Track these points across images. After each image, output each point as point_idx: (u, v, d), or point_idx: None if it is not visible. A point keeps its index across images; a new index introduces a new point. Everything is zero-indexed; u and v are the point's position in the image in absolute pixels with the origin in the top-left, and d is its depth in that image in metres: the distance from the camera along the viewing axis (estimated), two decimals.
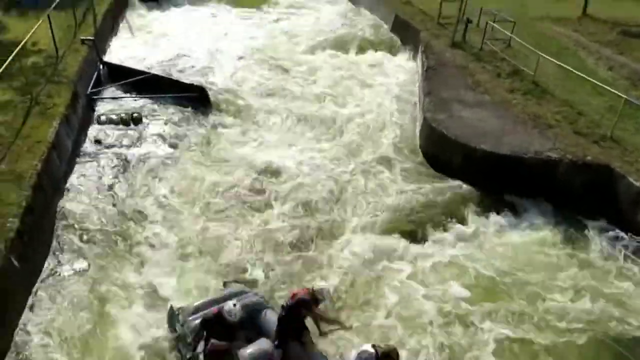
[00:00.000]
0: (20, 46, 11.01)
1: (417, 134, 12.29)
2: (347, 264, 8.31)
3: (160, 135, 11.70)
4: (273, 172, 10.61)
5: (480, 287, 8.04)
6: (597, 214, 9.58)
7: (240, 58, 16.46)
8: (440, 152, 11.08)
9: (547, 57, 13.04)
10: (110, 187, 9.84)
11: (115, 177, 10.16)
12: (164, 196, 9.74)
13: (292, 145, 11.82)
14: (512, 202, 9.94)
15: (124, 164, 10.56)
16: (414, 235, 9.07)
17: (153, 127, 12.05)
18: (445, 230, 9.24)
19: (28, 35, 11.97)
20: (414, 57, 16.59)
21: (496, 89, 12.88)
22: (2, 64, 10.03)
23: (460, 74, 13.76)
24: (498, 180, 10.15)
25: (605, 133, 10.67)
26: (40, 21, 12.82)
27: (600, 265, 8.61)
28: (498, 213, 9.61)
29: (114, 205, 9.36)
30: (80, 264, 8.02)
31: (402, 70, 16.02)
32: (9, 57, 10.45)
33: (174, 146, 11.37)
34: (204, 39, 17.88)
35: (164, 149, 11.24)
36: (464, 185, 10.25)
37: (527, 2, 20.04)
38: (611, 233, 9.26)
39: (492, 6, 17.09)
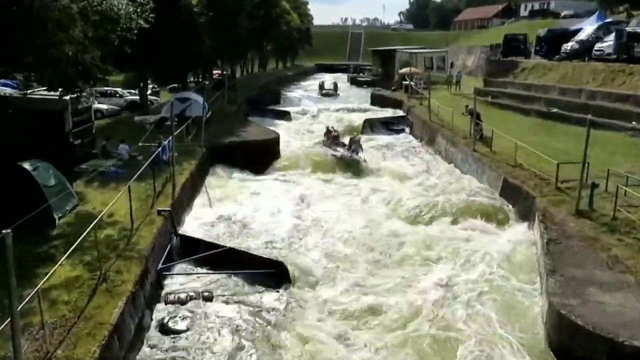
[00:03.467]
0: (96, 220, 12.20)
1: (542, 322, 11.51)
2: None
3: (230, 320, 11.75)
4: None
5: None
6: None
7: (326, 230, 17.11)
8: (575, 347, 10.18)
9: None
10: None
11: None
12: None
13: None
14: None
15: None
16: None
17: (224, 308, 12.29)
18: None
19: (105, 210, 13.44)
20: (530, 227, 16.33)
21: None
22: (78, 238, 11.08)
23: (591, 248, 13.19)
24: None
25: None
26: (120, 193, 14.41)
27: None
28: None
29: None
30: None
31: (515, 242, 15.70)
32: (84, 230, 11.59)
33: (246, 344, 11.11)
34: (287, 210, 18.94)
35: (232, 344, 11.04)
36: None
37: None
38: None
39: (616, 167, 16.90)
